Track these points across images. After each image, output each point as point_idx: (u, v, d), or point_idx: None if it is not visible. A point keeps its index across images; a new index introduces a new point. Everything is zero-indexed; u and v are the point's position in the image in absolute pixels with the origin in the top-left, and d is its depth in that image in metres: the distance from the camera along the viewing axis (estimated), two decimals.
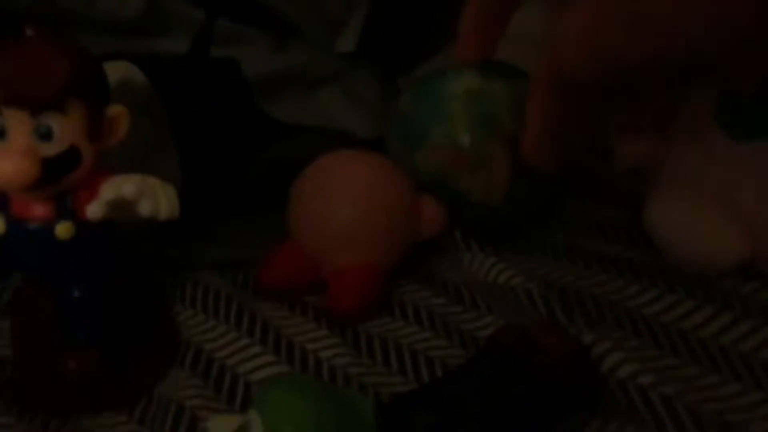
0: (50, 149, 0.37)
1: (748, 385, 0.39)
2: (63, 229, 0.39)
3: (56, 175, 0.38)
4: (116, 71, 0.46)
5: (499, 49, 0.57)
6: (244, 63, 0.55)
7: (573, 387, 0.38)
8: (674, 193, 0.49)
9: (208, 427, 0.37)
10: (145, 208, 0.38)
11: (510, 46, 0.58)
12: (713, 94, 0.48)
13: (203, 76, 0.54)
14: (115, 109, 0.40)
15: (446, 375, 0.42)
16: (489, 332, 0.46)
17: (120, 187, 0.37)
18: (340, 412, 0.33)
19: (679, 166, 0.49)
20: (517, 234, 0.55)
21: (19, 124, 0.36)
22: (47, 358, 0.43)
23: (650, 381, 0.38)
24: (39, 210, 0.39)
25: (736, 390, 0.39)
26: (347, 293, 0.48)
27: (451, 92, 0.51)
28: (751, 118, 0.46)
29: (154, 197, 0.38)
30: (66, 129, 0.37)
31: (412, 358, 0.45)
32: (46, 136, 0.37)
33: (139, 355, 0.44)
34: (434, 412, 0.36)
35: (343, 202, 0.50)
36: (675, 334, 0.44)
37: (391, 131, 0.56)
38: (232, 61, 0.54)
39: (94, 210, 0.37)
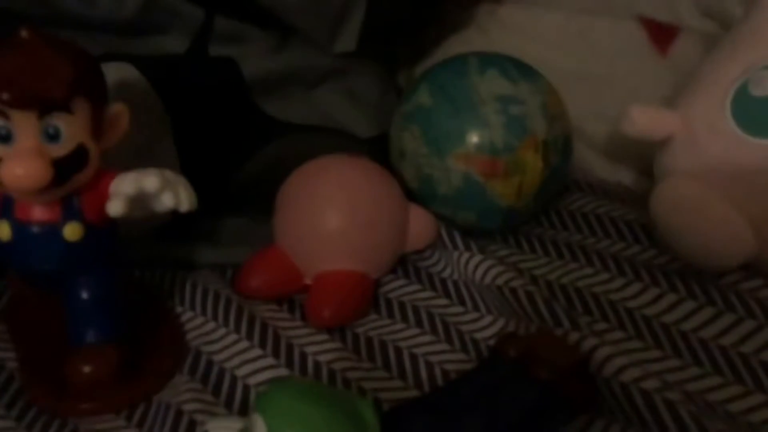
0: (59, 150, 0.36)
1: (751, 387, 0.40)
2: (71, 230, 0.39)
3: (67, 176, 0.37)
4: (113, 72, 0.46)
5: (514, 46, 0.57)
6: (244, 62, 0.54)
7: (574, 397, 0.38)
8: (681, 184, 0.48)
9: (208, 430, 0.36)
10: (167, 201, 0.37)
11: (526, 45, 0.58)
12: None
13: (201, 76, 0.53)
14: (116, 108, 0.40)
15: (447, 384, 0.42)
16: (488, 334, 0.46)
17: (141, 181, 0.37)
18: (347, 418, 0.33)
19: (689, 156, 0.49)
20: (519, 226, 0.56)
21: (26, 126, 0.36)
22: (53, 360, 0.41)
23: (654, 386, 0.38)
24: (45, 212, 0.38)
25: (739, 392, 0.40)
26: (327, 300, 0.47)
27: (482, 96, 0.51)
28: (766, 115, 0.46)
29: (174, 189, 0.37)
30: (73, 128, 0.37)
31: (412, 361, 0.45)
32: (54, 137, 0.36)
33: (143, 357, 0.44)
34: (434, 422, 0.36)
35: (330, 208, 0.49)
36: (677, 335, 0.44)
37: (408, 129, 0.54)
38: (230, 61, 0.54)
39: (115, 206, 0.36)
